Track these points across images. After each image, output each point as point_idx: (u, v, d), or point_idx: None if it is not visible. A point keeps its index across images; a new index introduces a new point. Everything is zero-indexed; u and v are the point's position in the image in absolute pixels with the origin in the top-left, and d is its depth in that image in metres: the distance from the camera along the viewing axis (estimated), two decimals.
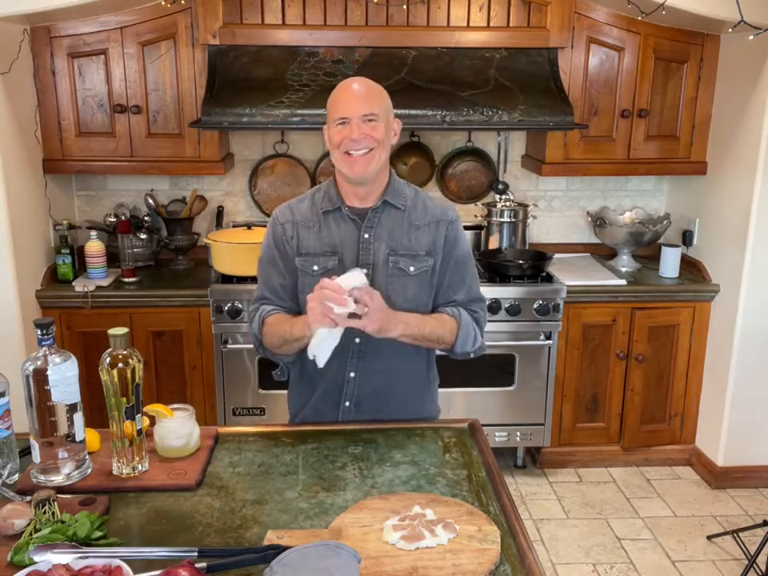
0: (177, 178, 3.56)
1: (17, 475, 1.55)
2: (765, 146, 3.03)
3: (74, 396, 1.50)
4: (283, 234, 1.83)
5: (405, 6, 3.10)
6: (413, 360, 1.89)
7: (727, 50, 3.26)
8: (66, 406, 1.49)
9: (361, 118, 1.69)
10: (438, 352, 1.95)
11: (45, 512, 1.32)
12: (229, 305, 3.03)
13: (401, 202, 1.83)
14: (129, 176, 3.49)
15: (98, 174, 3.43)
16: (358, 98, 1.71)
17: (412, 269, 1.81)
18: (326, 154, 3.49)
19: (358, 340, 1.81)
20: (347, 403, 1.87)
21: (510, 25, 3.18)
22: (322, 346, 1.65)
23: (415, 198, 1.86)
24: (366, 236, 1.80)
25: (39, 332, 1.47)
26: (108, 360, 1.50)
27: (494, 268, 3.31)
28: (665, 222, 3.54)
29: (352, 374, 1.85)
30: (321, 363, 1.68)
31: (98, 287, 3.14)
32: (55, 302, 3.12)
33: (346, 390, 1.86)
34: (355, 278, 1.61)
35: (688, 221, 3.56)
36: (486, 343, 3.15)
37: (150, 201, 3.48)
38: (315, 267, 1.79)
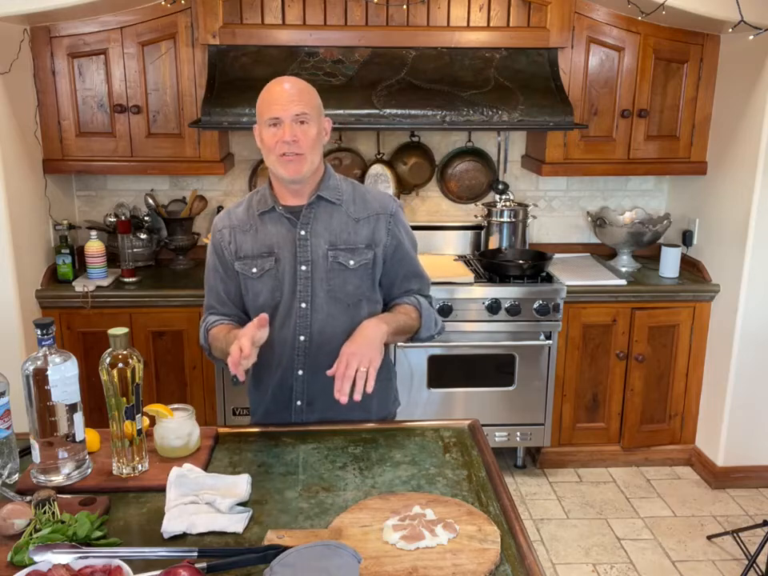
0: (177, 177, 3.56)
1: (17, 475, 1.55)
2: (765, 146, 3.03)
3: (74, 396, 1.50)
4: (221, 240, 1.85)
5: (405, 6, 3.10)
6: None
7: (727, 50, 3.26)
8: (66, 406, 1.49)
9: (293, 119, 1.69)
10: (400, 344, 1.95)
11: (45, 512, 1.32)
12: None
13: (335, 196, 1.82)
14: (129, 176, 3.49)
15: (98, 173, 3.43)
16: (290, 98, 1.70)
17: (352, 262, 1.81)
18: (325, 154, 3.49)
19: (302, 338, 1.81)
20: (299, 402, 1.87)
21: (510, 25, 3.18)
22: None
23: (353, 191, 1.86)
24: (303, 233, 1.79)
25: (39, 332, 1.47)
26: (108, 360, 1.50)
27: (494, 268, 3.31)
28: (665, 221, 3.54)
29: (300, 372, 1.85)
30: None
31: (98, 287, 3.14)
32: (55, 301, 3.12)
33: (296, 388, 1.86)
34: (239, 486, 1.48)
35: (688, 221, 3.56)
36: (486, 343, 3.20)
37: (150, 201, 3.48)
38: (254, 270, 1.81)
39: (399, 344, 2.98)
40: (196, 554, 1.26)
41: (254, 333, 1.59)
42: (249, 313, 1.87)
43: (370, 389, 1.60)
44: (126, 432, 1.53)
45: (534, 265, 3.31)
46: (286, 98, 1.70)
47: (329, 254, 1.80)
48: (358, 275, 1.82)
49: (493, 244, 3.55)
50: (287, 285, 1.80)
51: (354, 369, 1.60)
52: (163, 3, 3.00)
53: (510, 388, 3.30)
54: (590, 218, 3.69)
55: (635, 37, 3.25)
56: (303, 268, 1.79)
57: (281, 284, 1.80)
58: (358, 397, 1.59)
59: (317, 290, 1.80)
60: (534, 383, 3.30)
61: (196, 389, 3.23)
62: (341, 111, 2.95)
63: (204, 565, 1.21)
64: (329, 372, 1.63)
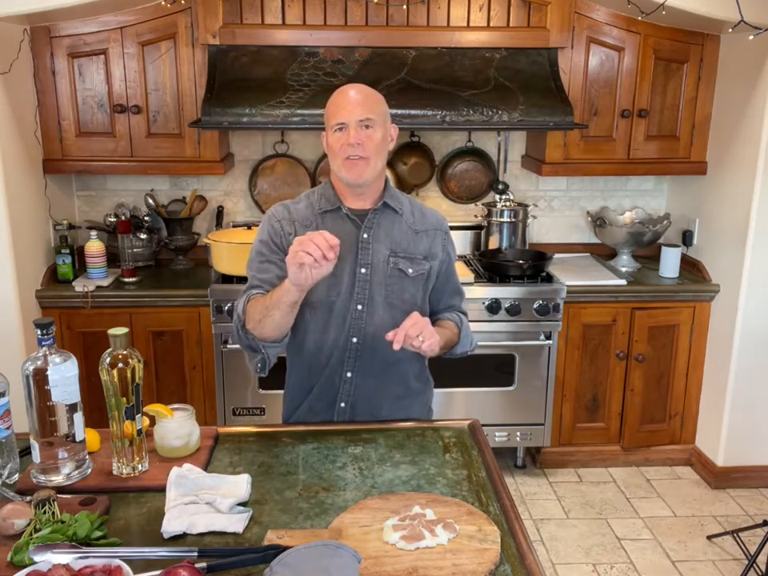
0: (177, 177, 3.56)
1: (17, 475, 1.55)
2: (765, 146, 3.03)
3: (74, 396, 1.50)
4: (281, 230, 1.83)
5: (405, 6, 3.10)
6: (408, 363, 1.90)
7: (727, 50, 3.26)
8: (66, 406, 1.49)
9: (357, 123, 1.72)
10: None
11: (45, 512, 1.32)
12: (229, 305, 3.03)
13: (398, 205, 1.86)
14: (129, 176, 3.49)
15: (98, 174, 3.43)
16: (355, 103, 1.73)
17: (411, 271, 1.83)
18: (326, 154, 3.48)
19: (355, 339, 1.82)
20: (342, 404, 1.88)
21: (510, 25, 3.18)
22: None
23: (410, 204, 1.91)
24: (366, 236, 1.81)
25: (39, 332, 1.47)
26: (108, 360, 1.50)
27: (494, 268, 3.31)
28: (665, 221, 3.54)
29: (348, 374, 1.85)
30: None
31: (98, 287, 3.14)
32: (55, 302, 3.12)
33: (342, 390, 1.86)
34: (239, 486, 1.48)
35: (688, 221, 3.56)
36: (486, 343, 3.20)
37: (150, 201, 3.48)
38: None
39: None
40: (196, 554, 1.26)
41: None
42: (300, 309, 1.79)
43: (398, 346, 1.65)
44: (126, 432, 1.53)
45: (534, 265, 3.31)
46: (351, 103, 1.73)
47: (390, 260, 1.82)
48: (415, 284, 1.85)
49: (493, 244, 3.55)
50: (345, 285, 1.80)
51: (417, 331, 1.64)
52: (163, 3, 3.00)
53: (510, 388, 3.30)
54: (590, 218, 3.69)
55: (635, 37, 3.25)
56: (363, 271, 1.80)
57: (338, 284, 1.80)
58: (396, 347, 1.64)
59: (374, 294, 1.81)
60: (534, 383, 3.30)
61: (196, 389, 3.23)
62: None
63: (204, 565, 1.21)
64: (389, 334, 1.66)
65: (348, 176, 1.75)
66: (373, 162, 1.74)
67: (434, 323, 1.89)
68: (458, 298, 2.00)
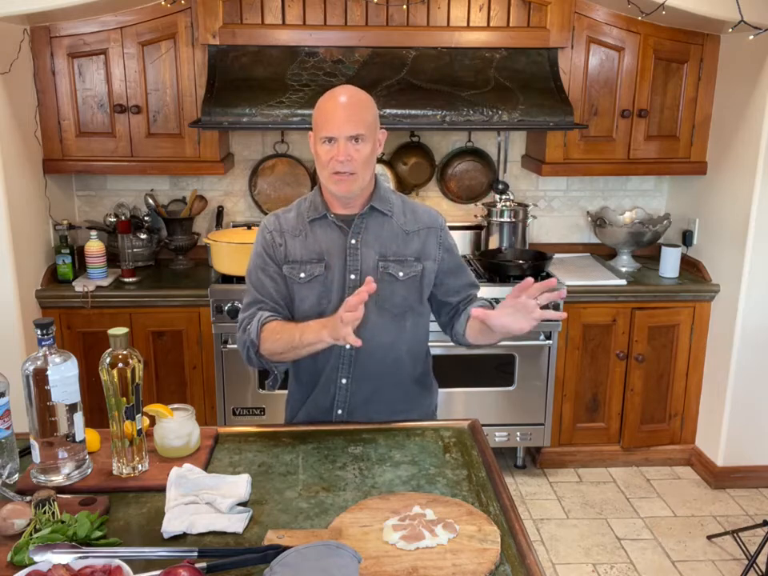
0: (177, 178, 3.56)
1: (17, 475, 1.55)
2: (765, 146, 3.03)
3: (74, 396, 1.50)
4: (273, 241, 1.84)
5: (405, 6, 3.10)
6: (406, 368, 1.89)
7: (727, 50, 3.26)
8: (66, 406, 1.49)
9: (347, 138, 1.68)
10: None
11: (45, 512, 1.32)
12: (229, 305, 3.03)
13: (387, 207, 1.83)
14: (129, 176, 3.49)
15: (98, 173, 3.43)
16: (345, 117, 1.69)
17: (401, 274, 1.81)
18: None
19: (348, 346, 1.79)
20: (339, 411, 1.87)
21: (510, 25, 3.18)
22: None
23: (402, 204, 1.87)
24: (353, 242, 1.80)
25: (39, 332, 1.47)
26: (108, 360, 1.50)
27: (494, 268, 3.30)
28: (665, 221, 3.54)
29: (343, 381, 1.85)
30: None
31: (98, 287, 3.13)
32: (55, 301, 3.12)
33: (338, 397, 1.86)
34: (239, 486, 1.49)
35: (688, 221, 3.56)
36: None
37: (150, 201, 3.48)
38: (302, 275, 1.80)
39: None
40: (196, 554, 1.26)
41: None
42: (295, 317, 1.83)
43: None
44: (126, 432, 1.53)
45: (534, 265, 3.31)
46: (342, 117, 1.69)
47: (379, 265, 1.80)
48: (406, 287, 1.83)
49: (493, 244, 3.55)
50: (335, 292, 1.79)
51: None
52: (163, 3, 3.00)
53: (510, 388, 3.30)
54: (590, 218, 3.69)
55: (635, 37, 3.25)
56: (352, 277, 1.79)
57: (329, 291, 1.79)
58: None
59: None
60: (534, 383, 3.30)
61: (196, 389, 3.23)
62: None
63: (204, 565, 1.21)
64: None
65: (336, 190, 1.74)
66: (361, 176, 1.73)
67: (469, 317, 1.85)
68: (475, 288, 1.95)
